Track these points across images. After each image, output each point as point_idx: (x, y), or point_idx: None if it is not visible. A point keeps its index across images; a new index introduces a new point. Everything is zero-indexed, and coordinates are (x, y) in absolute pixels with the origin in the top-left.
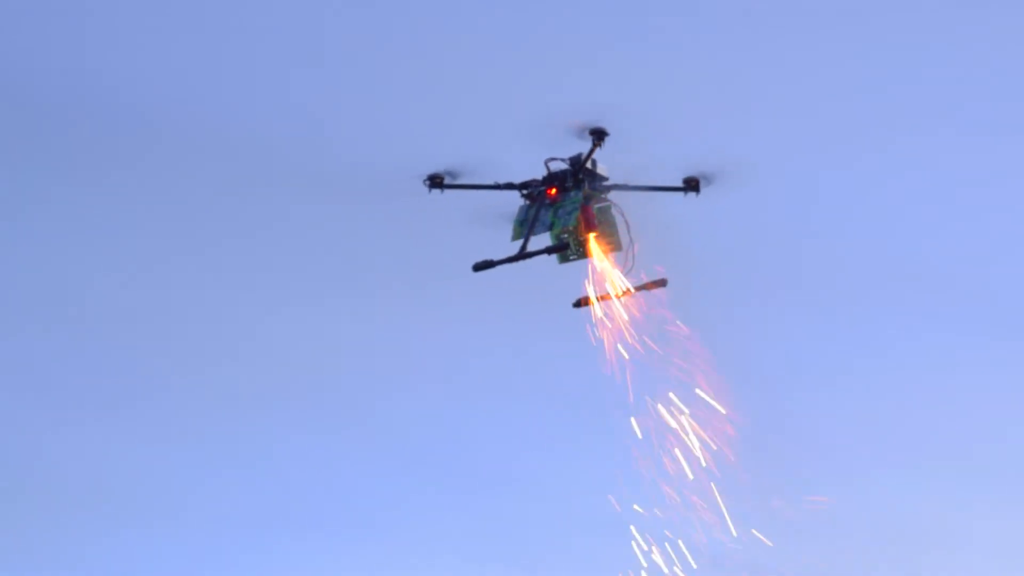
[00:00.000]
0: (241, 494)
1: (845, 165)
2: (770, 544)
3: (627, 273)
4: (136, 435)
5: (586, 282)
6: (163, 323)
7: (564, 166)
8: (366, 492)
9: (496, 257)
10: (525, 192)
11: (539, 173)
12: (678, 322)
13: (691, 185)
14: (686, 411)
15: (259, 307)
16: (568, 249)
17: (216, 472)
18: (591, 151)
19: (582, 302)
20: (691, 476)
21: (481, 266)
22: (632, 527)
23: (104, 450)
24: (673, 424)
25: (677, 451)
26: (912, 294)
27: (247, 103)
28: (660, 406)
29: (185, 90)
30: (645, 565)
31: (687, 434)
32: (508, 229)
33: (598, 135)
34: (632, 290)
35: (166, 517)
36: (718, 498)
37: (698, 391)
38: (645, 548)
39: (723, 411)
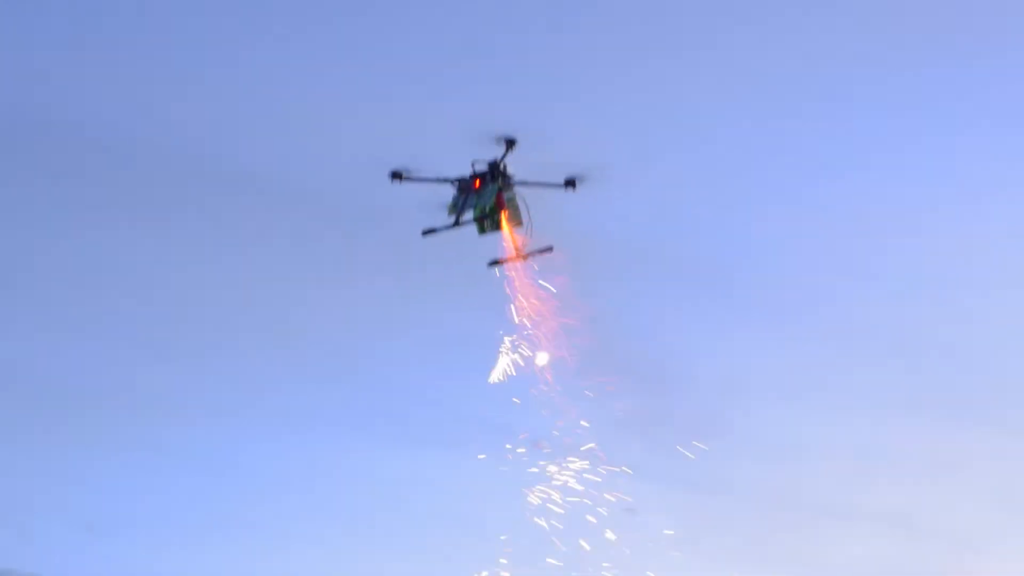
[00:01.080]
0: None
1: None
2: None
3: (526, 242)
4: None
5: (501, 244)
6: None
7: (484, 168)
8: None
9: (437, 227)
10: (458, 183)
11: (466, 171)
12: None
13: (570, 183)
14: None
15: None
16: (487, 221)
17: None
18: (504, 155)
19: (498, 262)
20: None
21: (428, 232)
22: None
23: None
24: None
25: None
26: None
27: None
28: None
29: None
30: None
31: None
32: (445, 209)
33: (510, 143)
34: (527, 254)
35: None
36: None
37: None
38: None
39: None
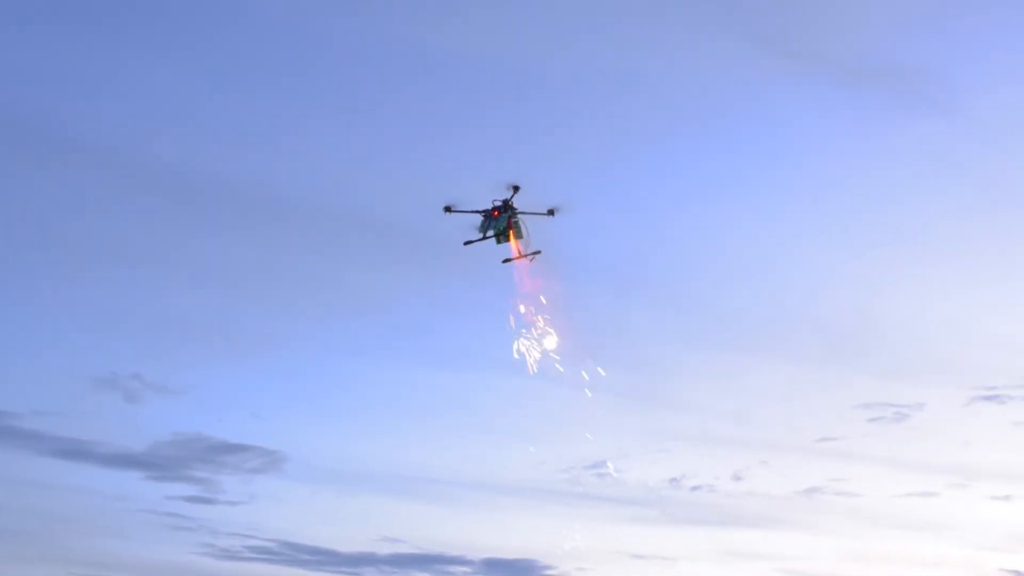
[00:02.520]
0: None
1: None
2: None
3: (525, 248)
4: None
5: (510, 250)
6: None
7: (499, 203)
8: None
9: (473, 239)
10: (484, 212)
11: (488, 205)
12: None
13: (551, 212)
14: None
15: None
16: (501, 236)
17: None
18: (512, 195)
19: (508, 260)
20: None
21: (467, 243)
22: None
23: None
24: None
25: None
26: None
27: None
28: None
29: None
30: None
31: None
32: (476, 229)
33: (515, 188)
34: (525, 255)
35: None
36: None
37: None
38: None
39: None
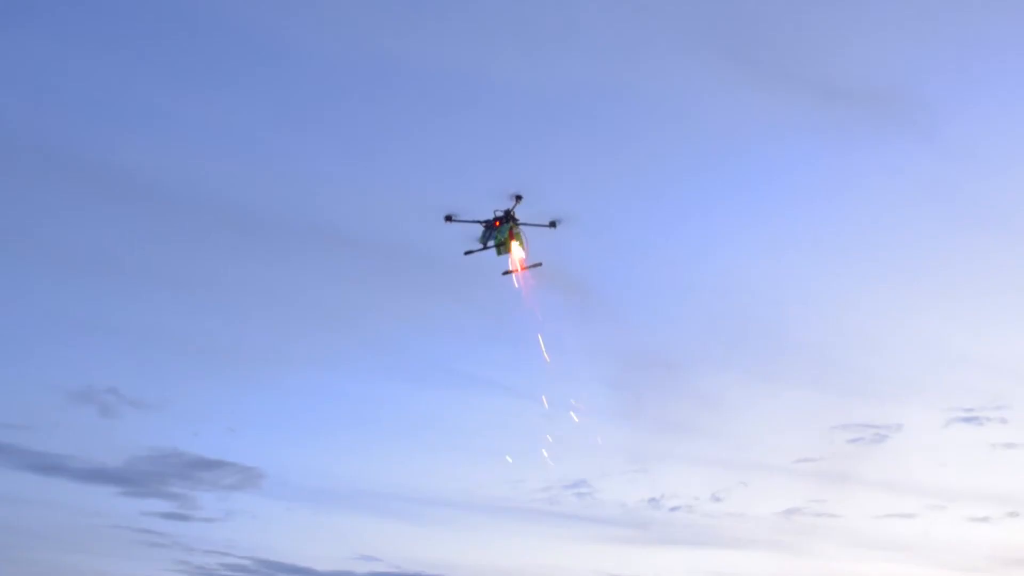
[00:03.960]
0: None
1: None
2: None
3: (526, 259)
4: None
5: (509, 262)
6: None
7: (501, 213)
8: None
9: (473, 249)
10: (485, 222)
11: (489, 215)
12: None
13: (552, 224)
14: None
15: None
16: (502, 247)
17: None
18: (514, 205)
19: (508, 272)
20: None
21: (468, 252)
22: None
23: None
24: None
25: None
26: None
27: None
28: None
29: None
30: None
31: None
32: (476, 239)
33: (518, 198)
34: (526, 267)
35: None
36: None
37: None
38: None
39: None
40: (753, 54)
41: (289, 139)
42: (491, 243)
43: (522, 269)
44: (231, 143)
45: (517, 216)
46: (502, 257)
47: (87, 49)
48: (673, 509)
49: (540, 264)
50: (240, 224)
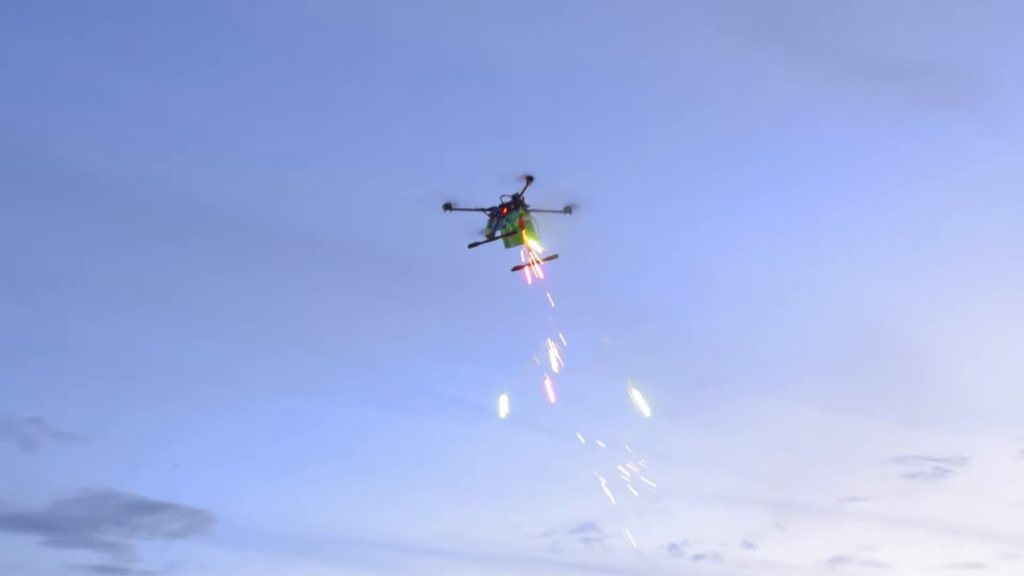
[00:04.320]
0: None
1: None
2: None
3: (539, 251)
4: None
5: (521, 255)
6: None
7: (508, 199)
8: None
9: (479, 241)
10: (491, 210)
11: (495, 201)
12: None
13: (568, 209)
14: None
15: None
16: (511, 238)
17: None
18: (524, 188)
19: (516, 268)
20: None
21: (472, 245)
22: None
23: None
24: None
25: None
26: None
27: None
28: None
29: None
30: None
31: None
32: (480, 231)
33: (529, 179)
34: (540, 260)
35: None
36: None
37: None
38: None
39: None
40: (791, 28)
41: (252, 125)
42: (499, 233)
43: (535, 263)
44: (183, 134)
45: (527, 202)
46: (510, 251)
47: (23, 28)
48: (697, 557)
49: (556, 256)
50: (189, 226)
